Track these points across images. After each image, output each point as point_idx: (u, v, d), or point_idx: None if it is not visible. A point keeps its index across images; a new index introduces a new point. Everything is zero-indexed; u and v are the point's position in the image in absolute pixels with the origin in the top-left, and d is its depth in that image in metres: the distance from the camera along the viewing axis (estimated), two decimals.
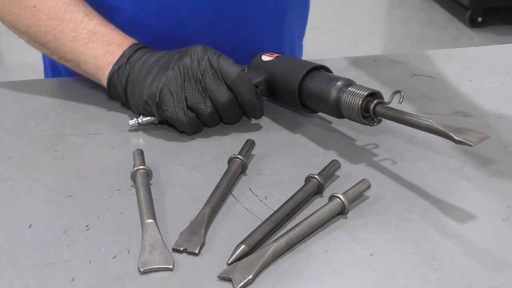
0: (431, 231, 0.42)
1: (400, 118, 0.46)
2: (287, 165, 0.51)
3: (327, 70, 0.55)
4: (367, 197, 0.45)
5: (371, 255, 0.39)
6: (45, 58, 0.83)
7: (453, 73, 0.49)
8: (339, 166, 0.48)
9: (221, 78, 0.53)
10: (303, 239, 0.41)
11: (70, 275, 0.38)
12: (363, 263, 0.39)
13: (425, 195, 0.46)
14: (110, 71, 0.57)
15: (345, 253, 0.40)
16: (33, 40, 0.63)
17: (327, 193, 0.45)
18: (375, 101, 0.48)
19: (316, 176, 0.45)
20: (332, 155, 0.51)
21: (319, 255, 0.40)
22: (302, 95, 0.54)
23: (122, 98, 0.58)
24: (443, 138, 0.43)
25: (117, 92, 0.58)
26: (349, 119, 0.51)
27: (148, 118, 0.55)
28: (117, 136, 0.56)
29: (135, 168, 0.47)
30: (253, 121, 0.58)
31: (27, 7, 0.61)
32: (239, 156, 0.48)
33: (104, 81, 0.59)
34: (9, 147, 0.55)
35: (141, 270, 0.38)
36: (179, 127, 0.54)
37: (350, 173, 0.49)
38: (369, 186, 0.45)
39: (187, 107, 0.53)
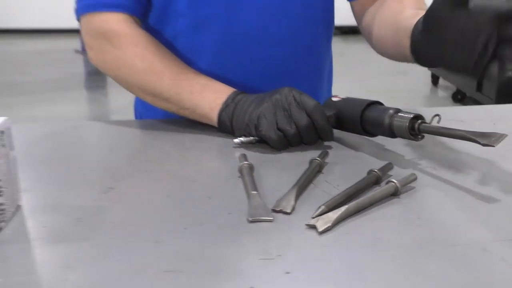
0: (465, 204, 0.56)
1: (440, 132, 0.62)
2: (353, 168, 0.67)
3: (381, 104, 0.73)
4: (414, 187, 0.60)
5: (419, 218, 0.54)
6: (136, 114, 1.07)
7: (480, 120, 0.65)
8: (392, 167, 0.64)
9: (302, 108, 0.71)
10: (367, 207, 0.56)
11: (199, 222, 0.54)
12: (412, 223, 0.53)
13: (461, 187, 0.61)
14: (220, 109, 0.78)
15: (398, 216, 0.54)
16: (157, 97, 0.83)
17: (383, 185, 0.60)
18: (419, 121, 0.65)
19: (375, 170, 0.61)
20: None
21: (378, 217, 0.54)
22: (363, 123, 0.72)
23: (229, 128, 0.77)
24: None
25: (225, 124, 0.78)
26: (400, 137, 0.67)
27: (249, 138, 0.74)
28: (225, 150, 0.75)
29: (242, 163, 0.65)
30: (326, 143, 0.76)
31: (154, 74, 0.82)
32: (317, 158, 0.65)
33: (215, 118, 0.79)
34: (147, 153, 0.75)
35: (250, 219, 0.54)
36: (270, 144, 0.72)
37: (401, 175, 0.64)
38: (415, 178, 0.60)
39: (277, 128, 0.71)
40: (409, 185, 0.60)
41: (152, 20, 0.90)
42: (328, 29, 0.98)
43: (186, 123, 0.85)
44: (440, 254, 0.47)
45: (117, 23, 0.83)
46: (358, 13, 0.95)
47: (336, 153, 0.72)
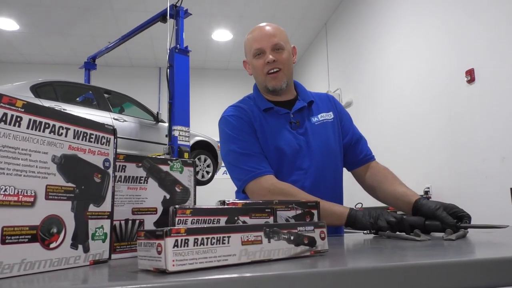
0: None
1: (473, 226, 1.33)
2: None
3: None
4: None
5: None
6: None
7: None
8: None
9: (392, 215, 1.39)
10: None
11: None
12: None
13: None
14: (348, 212, 1.47)
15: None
16: None
17: None
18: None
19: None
20: None
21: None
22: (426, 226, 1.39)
23: (353, 223, 1.45)
24: None
25: (351, 220, 1.46)
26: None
27: (366, 231, 1.37)
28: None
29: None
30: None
31: (297, 196, 1.55)
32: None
33: (345, 216, 1.47)
34: None
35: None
36: (384, 230, 1.35)
37: None
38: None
39: (387, 222, 1.36)
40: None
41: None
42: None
43: None
44: None
45: (273, 179, 1.69)
46: (357, 179, 1.96)
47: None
